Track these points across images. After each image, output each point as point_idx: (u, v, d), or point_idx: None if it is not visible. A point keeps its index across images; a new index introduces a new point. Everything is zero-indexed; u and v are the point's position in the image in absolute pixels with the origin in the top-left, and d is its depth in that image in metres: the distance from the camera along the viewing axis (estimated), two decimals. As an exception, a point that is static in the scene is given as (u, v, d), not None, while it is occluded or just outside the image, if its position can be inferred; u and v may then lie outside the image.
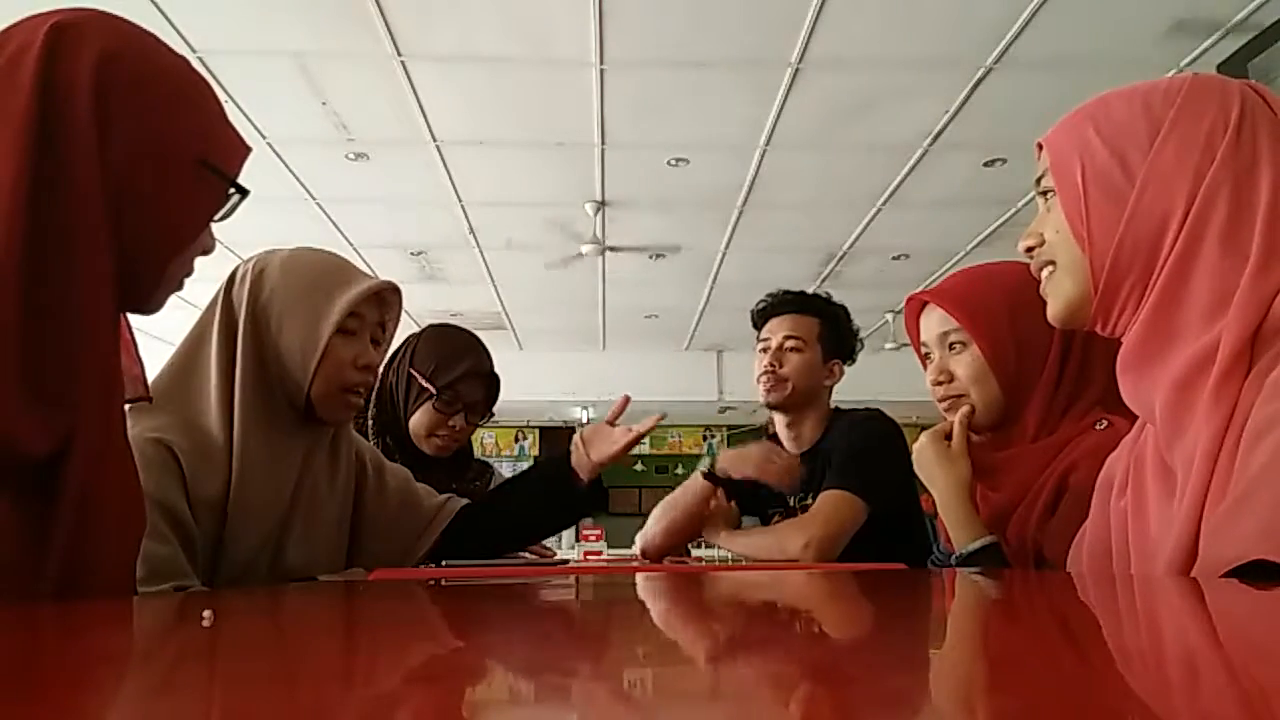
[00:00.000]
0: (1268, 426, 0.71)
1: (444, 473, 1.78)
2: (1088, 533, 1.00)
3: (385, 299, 1.27)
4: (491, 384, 1.84)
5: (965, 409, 1.30)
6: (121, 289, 0.81)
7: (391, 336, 1.31)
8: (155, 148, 0.80)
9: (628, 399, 1.54)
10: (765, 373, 1.99)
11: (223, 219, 0.90)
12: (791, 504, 1.96)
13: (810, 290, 2.15)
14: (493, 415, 1.90)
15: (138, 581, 0.92)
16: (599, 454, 1.45)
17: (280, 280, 1.20)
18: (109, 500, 0.82)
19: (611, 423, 1.50)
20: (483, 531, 1.43)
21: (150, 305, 0.87)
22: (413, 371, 1.78)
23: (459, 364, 1.77)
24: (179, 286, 0.90)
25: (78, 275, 0.75)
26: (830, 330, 2.04)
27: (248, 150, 0.91)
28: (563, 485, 1.46)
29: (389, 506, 1.38)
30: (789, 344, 1.99)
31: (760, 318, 2.08)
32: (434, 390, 1.75)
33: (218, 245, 0.91)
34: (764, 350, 2.02)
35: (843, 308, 2.12)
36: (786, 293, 2.09)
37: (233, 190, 0.88)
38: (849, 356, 2.08)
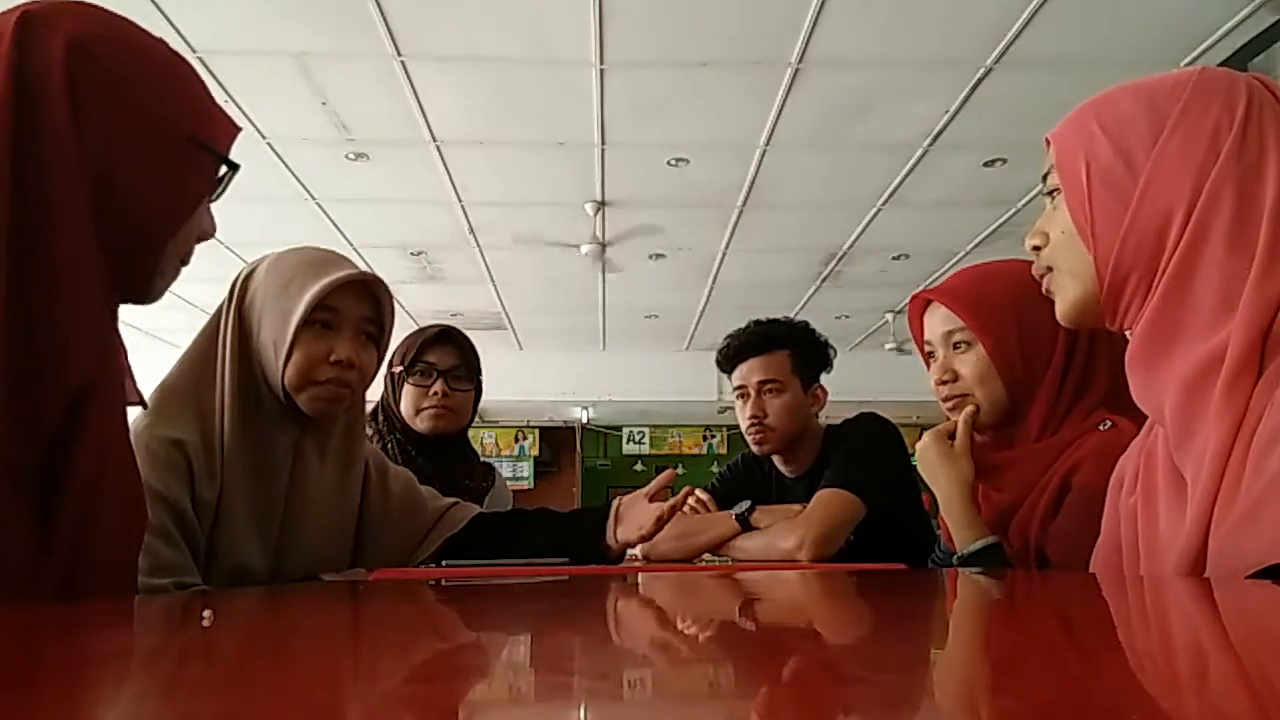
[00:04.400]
0: None
1: (453, 474, 1.83)
2: (1102, 532, 0.99)
3: (375, 295, 1.23)
4: (459, 343, 1.93)
5: (970, 409, 1.29)
6: (118, 278, 0.80)
7: (389, 333, 1.27)
8: (138, 128, 0.78)
9: (672, 475, 1.52)
10: (751, 424, 1.96)
11: (215, 199, 0.88)
12: None
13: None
14: (480, 384, 1.96)
15: (141, 575, 0.91)
16: (624, 535, 1.42)
17: (263, 280, 1.20)
18: (111, 500, 0.81)
19: (650, 498, 1.45)
20: (491, 550, 1.41)
21: (149, 294, 0.85)
22: (390, 370, 1.92)
23: (419, 337, 1.91)
24: (177, 274, 0.87)
25: (64, 268, 0.74)
26: (802, 357, 1.99)
27: (236, 129, 0.89)
28: (589, 549, 1.44)
29: (392, 508, 1.37)
30: (767, 389, 1.95)
31: (728, 362, 2.03)
32: (405, 367, 1.87)
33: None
34: (742, 397, 1.99)
35: (805, 325, 2.07)
36: (748, 332, 2.03)
37: (224, 170, 0.86)
38: (825, 368, 2.05)
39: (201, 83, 0.86)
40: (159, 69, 0.81)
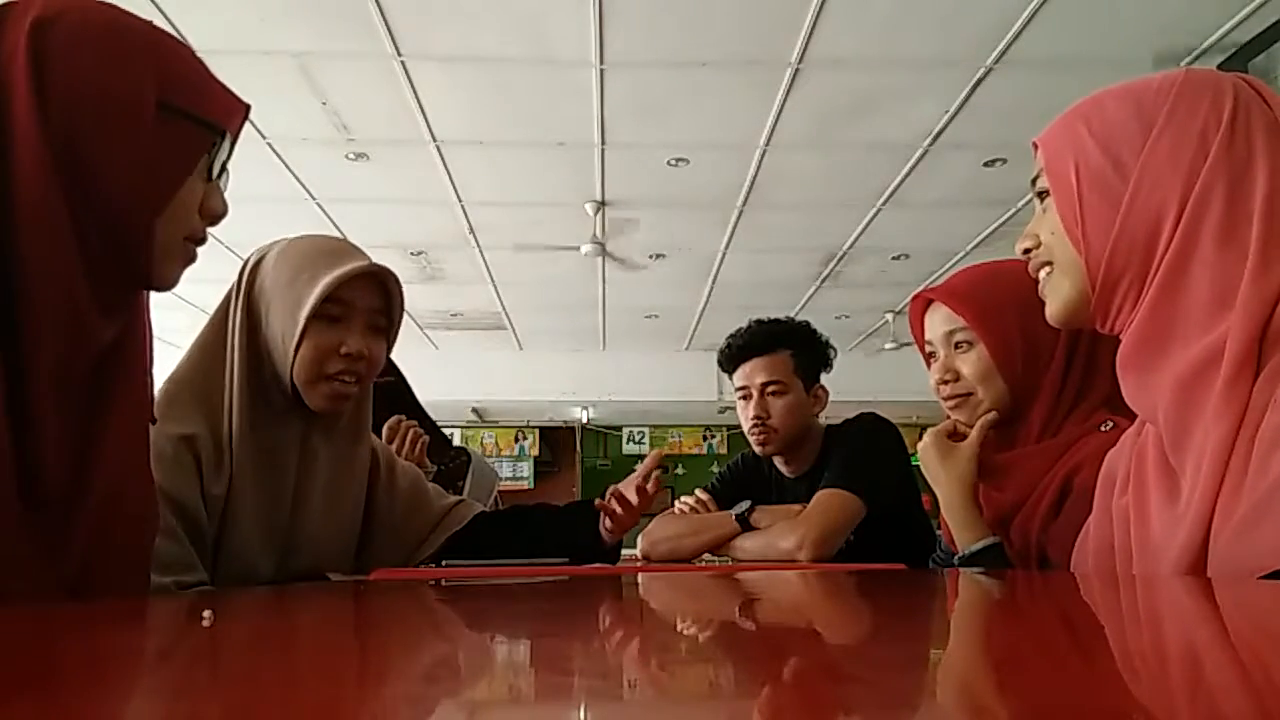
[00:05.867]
0: None
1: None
2: (1091, 530, 1.00)
3: (385, 286, 1.22)
4: None
5: (990, 415, 1.28)
6: (115, 264, 0.78)
7: (398, 324, 1.26)
8: (102, 101, 0.75)
9: (660, 454, 1.52)
10: (754, 425, 1.95)
11: (214, 174, 0.84)
12: None
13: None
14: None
15: None
16: (619, 523, 1.43)
17: (272, 268, 1.19)
18: (126, 516, 0.81)
19: (642, 482, 1.43)
20: (494, 547, 1.41)
21: (155, 278, 0.82)
22: None
23: None
24: (190, 257, 0.84)
25: (32, 253, 0.72)
26: (804, 358, 1.99)
27: (240, 105, 0.85)
28: (588, 538, 1.44)
29: (398, 504, 1.37)
30: (770, 389, 1.95)
31: (730, 363, 2.03)
32: None
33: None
34: (745, 398, 1.98)
35: (806, 325, 2.07)
36: (751, 332, 2.02)
37: (220, 139, 0.82)
38: (826, 368, 2.05)
39: (190, 56, 0.82)
40: (126, 40, 0.78)
